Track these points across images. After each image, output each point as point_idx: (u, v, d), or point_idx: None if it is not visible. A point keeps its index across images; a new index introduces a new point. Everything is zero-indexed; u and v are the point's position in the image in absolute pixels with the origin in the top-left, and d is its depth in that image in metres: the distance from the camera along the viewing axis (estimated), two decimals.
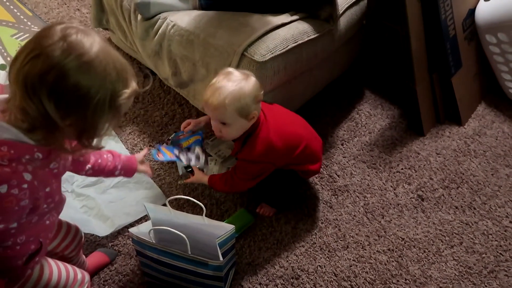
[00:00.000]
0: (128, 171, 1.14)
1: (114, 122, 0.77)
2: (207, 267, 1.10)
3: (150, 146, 1.61)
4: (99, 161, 1.05)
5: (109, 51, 0.73)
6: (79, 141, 0.75)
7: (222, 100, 1.10)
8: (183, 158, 1.35)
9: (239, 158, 1.24)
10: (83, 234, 1.10)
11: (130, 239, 1.34)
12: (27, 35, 2.03)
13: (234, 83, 1.11)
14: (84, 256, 1.20)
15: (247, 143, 1.21)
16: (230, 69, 1.16)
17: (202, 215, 1.12)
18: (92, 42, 0.70)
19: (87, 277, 1.01)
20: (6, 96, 0.74)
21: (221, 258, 1.07)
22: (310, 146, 1.29)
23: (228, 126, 1.17)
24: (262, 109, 1.24)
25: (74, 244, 1.06)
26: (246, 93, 1.11)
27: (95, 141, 0.77)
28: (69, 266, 0.97)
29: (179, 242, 1.07)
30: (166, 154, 1.39)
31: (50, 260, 0.92)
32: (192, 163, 1.36)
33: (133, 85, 0.77)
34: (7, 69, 2.02)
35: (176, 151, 1.37)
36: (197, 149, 1.34)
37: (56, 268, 0.92)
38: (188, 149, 1.38)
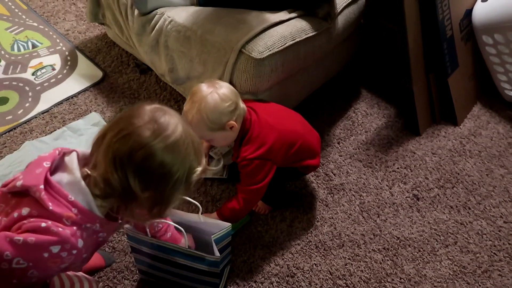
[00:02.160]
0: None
1: (184, 196, 0.81)
2: (203, 262, 1.09)
3: None
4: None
5: (189, 131, 0.78)
6: (150, 211, 0.78)
7: (189, 124, 1.15)
8: None
9: (239, 162, 1.23)
10: None
11: (125, 236, 1.33)
12: (22, 28, 2.01)
13: (195, 105, 1.14)
14: None
15: (242, 145, 1.22)
16: (198, 86, 1.17)
17: (198, 213, 1.11)
18: (177, 123, 0.75)
19: (94, 286, 1.00)
20: (88, 152, 0.80)
21: (217, 254, 1.07)
22: (308, 142, 1.30)
23: (211, 140, 1.24)
24: (254, 108, 1.25)
25: None
26: (209, 113, 1.13)
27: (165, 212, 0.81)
28: (79, 279, 0.94)
29: None
30: None
31: (68, 276, 0.91)
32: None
33: (204, 161, 0.82)
34: (2, 62, 2.00)
35: None
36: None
37: (67, 283, 0.90)
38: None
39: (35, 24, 2.04)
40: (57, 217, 0.71)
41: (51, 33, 2.00)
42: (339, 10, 1.50)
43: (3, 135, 1.60)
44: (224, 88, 1.16)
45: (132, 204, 0.76)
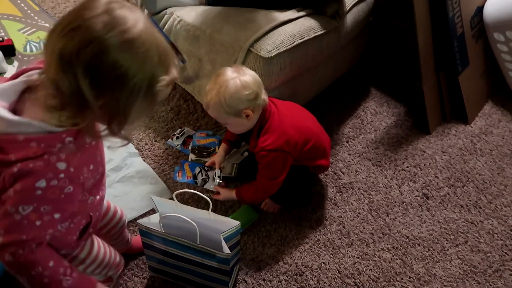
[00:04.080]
0: None
1: (148, 111, 0.72)
2: (214, 259, 1.10)
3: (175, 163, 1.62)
4: None
5: (153, 32, 0.68)
6: (109, 126, 0.70)
7: (207, 104, 1.18)
8: (199, 178, 1.50)
9: (257, 151, 1.23)
10: (126, 219, 1.16)
11: (137, 233, 1.35)
12: (34, 29, 2.04)
13: (216, 87, 1.16)
14: (129, 235, 1.25)
15: (261, 135, 1.22)
16: (223, 69, 1.19)
17: (207, 210, 1.12)
18: (137, 19, 0.65)
19: (122, 261, 1.07)
20: (17, 82, 0.72)
21: (227, 251, 1.07)
22: (321, 141, 1.31)
23: (226, 124, 1.24)
24: (274, 102, 1.27)
25: (118, 227, 1.11)
26: (227, 97, 1.15)
27: (125, 130, 0.71)
28: (112, 249, 1.03)
29: (187, 235, 1.09)
30: (185, 173, 1.53)
31: (99, 240, 0.99)
32: (208, 184, 1.50)
33: (174, 72, 0.72)
34: (15, 63, 2.03)
35: (197, 169, 1.52)
36: (217, 172, 1.44)
37: (102, 248, 0.98)
38: (209, 168, 1.52)
39: (47, 25, 2.07)
40: (26, 158, 0.68)
41: None
42: (347, 9, 1.49)
43: None
44: (248, 76, 1.17)
45: (87, 114, 0.66)
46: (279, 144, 1.20)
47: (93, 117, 0.68)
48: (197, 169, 1.52)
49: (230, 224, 1.11)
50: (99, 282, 0.87)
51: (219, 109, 1.17)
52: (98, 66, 0.63)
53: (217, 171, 1.43)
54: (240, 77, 1.16)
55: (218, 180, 1.42)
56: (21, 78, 0.73)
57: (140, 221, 1.13)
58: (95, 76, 0.63)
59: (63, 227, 0.80)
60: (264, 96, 1.20)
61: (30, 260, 0.73)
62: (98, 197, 0.87)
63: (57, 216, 0.73)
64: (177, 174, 1.51)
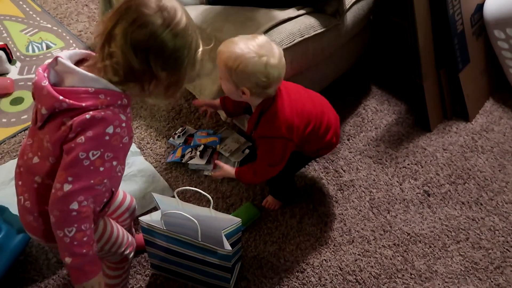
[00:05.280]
0: None
1: (191, 75, 0.89)
2: (215, 256, 1.11)
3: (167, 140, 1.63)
4: None
5: (188, 14, 0.85)
6: (166, 91, 0.87)
7: (223, 52, 1.10)
8: (186, 156, 1.52)
9: (256, 137, 1.19)
10: (136, 208, 1.17)
11: (139, 231, 1.35)
12: (36, 30, 2.05)
13: (242, 48, 1.07)
14: (134, 230, 1.27)
15: (262, 120, 1.16)
16: (262, 39, 1.10)
17: (209, 207, 1.13)
18: (181, 9, 0.83)
19: (134, 241, 1.11)
20: (77, 52, 0.86)
21: (228, 248, 1.08)
22: (321, 122, 1.24)
23: (221, 78, 1.15)
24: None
25: (127, 213, 1.14)
26: (240, 68, 1.06)
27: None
28: (123, 228, 1.07)
29: (188, 233, 1.09)
30: (175, 154, 1.56)
31: (112, 220, 1.04)
32: (195, 160, 1.49)
33: (201, 42, 0.88)
34: (17, 64, 2.03)
35: (188, 150, 1.55)
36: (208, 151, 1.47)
37: (115, 226, 1.03)
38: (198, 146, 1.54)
39: (49, 25, 2.08)
40: (94, 108, 0.80)
41: (64, 34, 2.04)
42: (347, 7, 1.50)
43: (18, 134, 1.64)
44: (276, 60, 1.08)
45: (151, 83, 0.84)
46: (280, 130, 1.14)
47: (156, 84, 0.85)
48: (188, 150, 1.54)
49: (231, 221, 1.12)
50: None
51: (225, 67, 1.09)
52: (164, 51, 0.81)
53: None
54: (268, 59, 1.06)
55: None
56: (79, 51, 0.87)
57: (141, 218, 1.14)
58: (162, 58, 0.81)
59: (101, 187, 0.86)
60: (274, 88, 1.13)
61: (88, 213, 0.81)
62: (121, 173, 0.92)
63: (114, 163, 0.83)
64: (169, 157, 1.55)
